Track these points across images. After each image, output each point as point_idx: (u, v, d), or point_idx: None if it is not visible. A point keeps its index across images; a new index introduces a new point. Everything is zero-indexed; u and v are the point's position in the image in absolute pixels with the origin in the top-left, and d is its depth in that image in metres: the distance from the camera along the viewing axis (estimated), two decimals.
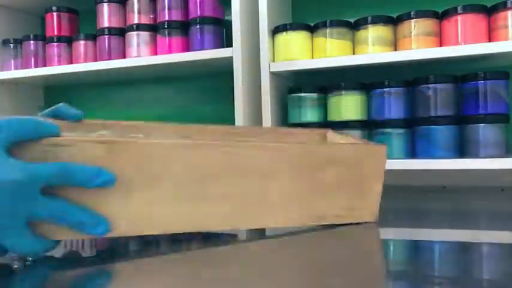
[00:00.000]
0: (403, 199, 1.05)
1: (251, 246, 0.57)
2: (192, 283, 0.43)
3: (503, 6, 1.08)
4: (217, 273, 0.45)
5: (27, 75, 1.57)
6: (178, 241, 0.57)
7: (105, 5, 1.48)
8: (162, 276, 0.44)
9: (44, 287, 0.43)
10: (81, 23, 1.65)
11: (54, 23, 1.58)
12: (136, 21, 1.44)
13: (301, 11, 1.44)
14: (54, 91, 1.85)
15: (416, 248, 0.61)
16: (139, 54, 1.42)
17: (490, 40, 1.10)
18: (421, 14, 1.12)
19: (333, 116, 1.21)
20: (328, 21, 1.20)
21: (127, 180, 0.47)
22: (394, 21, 1.17)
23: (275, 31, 1.24)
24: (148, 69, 1.46)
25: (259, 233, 0.61)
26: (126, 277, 0.46)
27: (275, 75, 1.25)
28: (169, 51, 1.38)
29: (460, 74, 1.14)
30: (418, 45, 1.12)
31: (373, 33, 1.16)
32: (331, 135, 0.81)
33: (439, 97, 1.11)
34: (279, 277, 0.44)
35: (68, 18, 1.60)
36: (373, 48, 1.16)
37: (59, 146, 0.43)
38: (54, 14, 1.58)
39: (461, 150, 1.11)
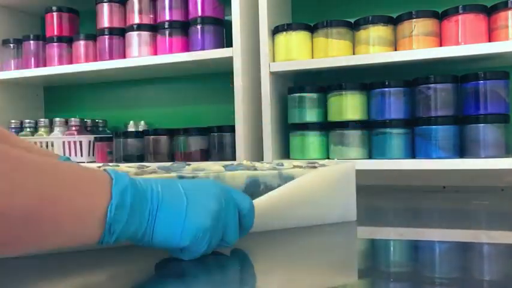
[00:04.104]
0: (403, 199, 1.05)
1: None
2: None
3: (503, 6, 1.08)
4: None
5: (27, 75, 1.57)
6: None
7: (105, 5, 1.48)
8: None
9: None
10: (81, 23, 1.65)
11: (54, 23, 1.58)
12: (136, 21, 1.44)
13: (301, 11, 1.44)
14: (54, 91, 1.85)
15: (416, 247, 0.61)
16: (140, 54, 1.42)
17: (490, 40, 1.10)
18: (421, 14, 1.12)
19: (333, 116, 1.21)
20: (328, 21, 1.20)
21: None
22: (394, 21, 1.17)
23: (275, 31, 1.24)
24: (148, 69, 1.46)
25: None
26: None
27: (275, 75, 1.25)
28: (170, 51, 1.38)
29: (460, 74, 1.13)
30: (418, 45, 1.12)
31: (373, 33, 1.16)
32: None
33: (439, 97, 1.11)
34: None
35: (68, 18, 1.60)
36: (373, 48, 1.16)
37: None
38: (54, 14, 1.58)
39: (461, 150, 1.11)
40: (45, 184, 0.38)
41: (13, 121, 1.64)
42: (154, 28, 1.43)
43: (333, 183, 0.65)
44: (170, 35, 1.39)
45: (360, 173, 0.69)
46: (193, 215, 0.45)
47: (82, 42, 1.52)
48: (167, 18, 1.40)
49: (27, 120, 1.63)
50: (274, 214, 0.60)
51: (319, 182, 0.64)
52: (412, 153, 1.15)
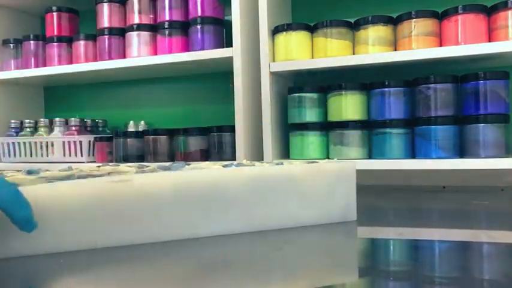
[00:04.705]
0: (403, 199, 1.05)
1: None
2: None
3: (503, 6, 1.08)
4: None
5: (27, 75, 1.57)
6: None
7: (105, 5, 1.48)
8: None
9: None
10: (81, 23, 1.65)
11: (54, 23, 1.58)
12: (136, 21, 1.44)
13: (301, 11, 1.44)
14: (54, 91, 1.85)
15: (416, 247, 0.61)
16: (140, 54, 1.42)
17: (490, 40, 1.10)
18: (421, 14, 1.12)
19: (333, 116, 1.21)
20: (328, 21, 1.20)
21: None
22: (394, 21, 1.17)
23: (275, 31, 1.24)
24: (148, 69, 1.46)
25: None
26: None
27: (275, 75, 1.25)
28: (170, 51, 1.38)
29: (460, 74, 1.13)
30: (418, 45, 1.12)
31: (373, 33, 1.16)
32: None
33: (439, 97, 1.11)
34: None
35: (68, 18, 1.60)
36: (373, 48, 1.16)
37: None
38: (54, 14, 1.58)
39: (461, 150, 1.11)
40: None
41: (13, 121, 1.63)
42: (154, 28, 1.43)
43: (333, 183, 0.65)
44: (170, 35, 1.39)
45: (360, 173, 0.69)
46: None
47: (82, 42, 1.52)
48: (167, 18, 1.40)
49: (27, 120, 1.62)
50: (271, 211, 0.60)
51: (319, 181, 0.64)
52: (412, 153, 1.15)
